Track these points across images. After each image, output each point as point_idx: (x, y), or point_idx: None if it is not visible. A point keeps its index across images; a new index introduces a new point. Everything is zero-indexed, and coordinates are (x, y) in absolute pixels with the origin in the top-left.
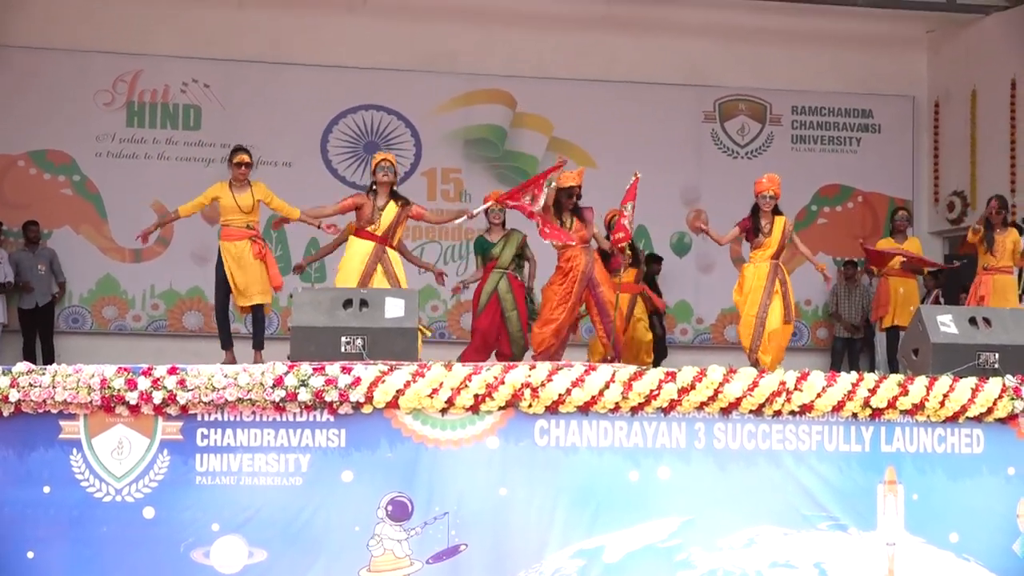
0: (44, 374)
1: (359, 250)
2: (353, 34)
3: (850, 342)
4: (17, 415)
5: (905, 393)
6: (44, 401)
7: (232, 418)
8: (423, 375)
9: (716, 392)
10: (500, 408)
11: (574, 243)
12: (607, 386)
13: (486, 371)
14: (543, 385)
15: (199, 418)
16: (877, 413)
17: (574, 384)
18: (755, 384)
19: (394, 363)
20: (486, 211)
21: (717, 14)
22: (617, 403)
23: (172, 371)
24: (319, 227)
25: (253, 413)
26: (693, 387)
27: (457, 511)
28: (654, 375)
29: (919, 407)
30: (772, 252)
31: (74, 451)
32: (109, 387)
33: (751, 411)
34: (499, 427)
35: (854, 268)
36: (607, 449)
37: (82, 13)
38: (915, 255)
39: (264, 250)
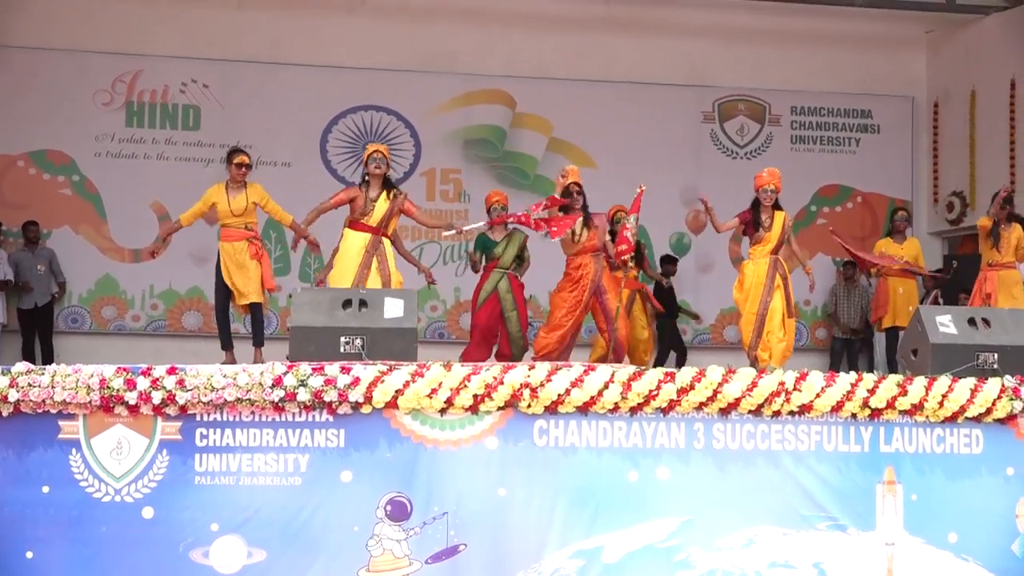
0: (43, 374)
1: (355, 243)
2: (352, 34)
3: (849, 342)
4: (16, 415)
5: (904, 393)
6: (43, 401)
7: (231, 418)
8: (422, 375)
9: (715, 392)
10: (499, 408)
11: (577, 232)
12: (606, 386)
13: (485, 371)
14: (542, 385)
15: (198, 418)
16: (876, 413)
17: (573, 384)
18: (754, 384)
19: (393, 363)
20: (488, 211)
21: (716, 15)
22: (616, 403)
23: (171, 371)
24: (305, 238)
25: (252, 413)
26: (692, 387)
27: (456, 511)
28: (653, 375)
29: (918, 407)
30: (772, 247)
31: (73, 451)
32: (108, 387)
33: (750, 411)
34: (498, 427)
35: (853, 269)
36: (606, 449)
37: (81, 13)
38: (893, 262)
39: (261, 251)
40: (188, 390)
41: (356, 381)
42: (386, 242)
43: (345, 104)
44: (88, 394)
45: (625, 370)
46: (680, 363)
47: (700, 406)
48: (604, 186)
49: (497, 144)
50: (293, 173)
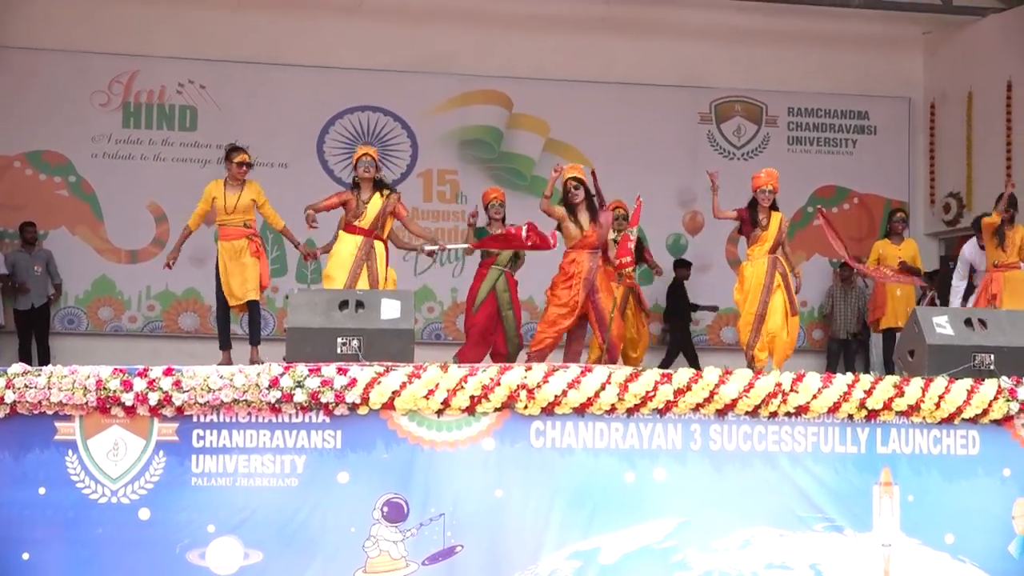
0: (40, 375)
1: (348, 245)
2: (349, 35)
3: (846, 343)
4: (13, 416)
5: (901, 394)
6: (40, 402)
7: (228, 419)
8: (419, 376)
9: (712, 393)
10: (496, 409)
11: (551, 245)
12: (603, 388)
13: (482, 372)
14: (539, 387)
15: (195, 419)
16: (873, 414)
17: (570, 386)
18: (751, 385)
19: (390, 364)
20: (486, 208)
21: (713, 16)
22: (613, 404)
23: (168, 372)
24: (296, 246)
25: (249, 414)
26: (689, 388)
27: (453, 512)
28: (650, 377)
29: (915, 408)
30: (769, 246)
31: (70, 452)
32: (105, 388)
33: (747, 412)
34: (495, 428)
35: (850, 270)
36: (603, 450)
37: (78, 14)
38: (882, 276)
39: (260, 249)
40: (185, 391)
41: (353, 382)
42: (378, 244)
43: (342, 105)
44: (84, 395)
45: (622, 371)
46: (692, 365)
47: (697, 407)
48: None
49: (494, 145)
50: (290, 174)
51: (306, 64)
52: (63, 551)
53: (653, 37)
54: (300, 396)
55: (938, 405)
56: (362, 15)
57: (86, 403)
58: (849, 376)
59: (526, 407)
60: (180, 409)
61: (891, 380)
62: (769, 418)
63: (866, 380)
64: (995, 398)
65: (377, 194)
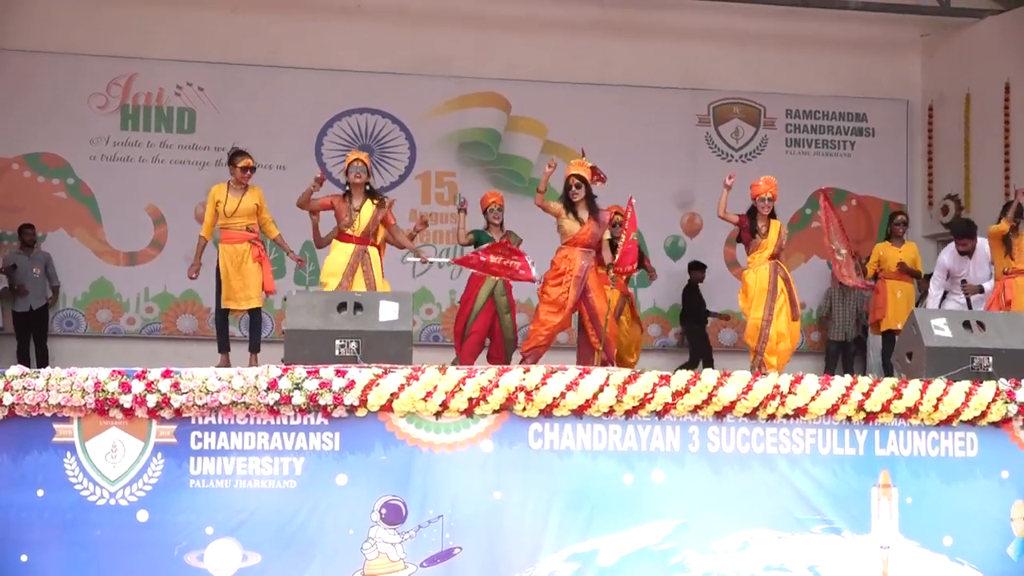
0: (38, 377)
1: (341, 254)
2: (347, 37)
3: (844, 345)
4: (11, 418)
5: (899, 397)
6: (38, 404)
7: (226, 421)
8: (417, 378)
9: (710, 396)
10: (494, 412)
11: (532, 278)
12: (601, 390)
13: (480, 375)
14: (537, 389)
15: (193, 421)
16: (871, 417)
17: (568, 388)
18: (749, 388)
19: (388, 366)
20: (484, 212)
21: (711, 18)
22: (611, 407)
23: (166, 374)
24: (288, 254)
25: (247, 416)
26: (687, 390)
27: (451, 514)
28: (648, 379)
29: (913, 410)
30: (770, 253)
31: (68, 454)
32: (103, 390)
33: (745, 415)
34: (493, 430)
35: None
36: (601, 452)
37: (76, 16)
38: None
39: (263, 253)
40: (183, 393)
41: (351, 384)
42: (372, 251)
43: (340, 107)
44: (83, 397)
45: (620, 373)
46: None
47: (695, 409)
48: (599, 189)
49: (492, 147)
50: (288, 176)
51: (304, 66)
52: (61, 553)
53: (651, 39)
54: (298, 398)
55: (936, 407)
56: (360, 18)
57: (84, 405)
58: (847, 378)
59: (524, 409)
60: (178, 411)
61: (889, 382)
62: (767, 420)
63: (864, 382)
64: (993, 400)
65: (368, 201)
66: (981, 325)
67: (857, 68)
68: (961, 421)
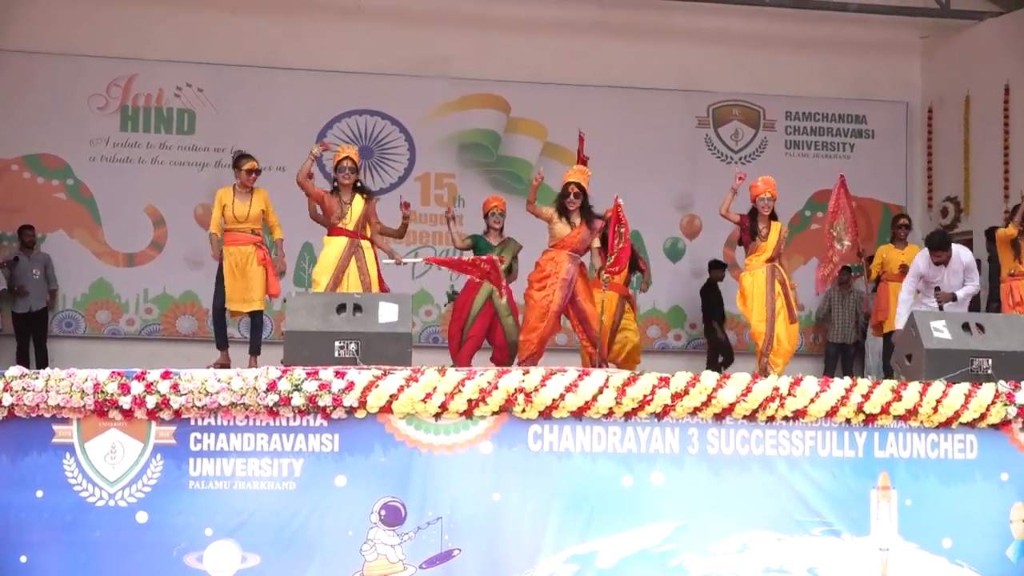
0: (37, 378)
1: (334, 247)
2: (347, 39)
3: (844, 347)
4: (10, 419)
5: (898, 399)
6: (37, 405)
7: (225, 422)
8: (417, 380)
9: (709, 398)
10: (494, 413)
11: (500, 290)
12: (601, 391)
13: (480, 376)
14: (537, 390)
15: (192, 422)
16: (870, 419)
17: (568, 389)
18: (748, 390)
19: (388, 368)
20: (486, 216)
21: (711, 19)
22: (611, 408)
23: (165, 375)
24: (277, 259)
25: (247, 418)
26: (687, 392)
27: (450, 516)
28: (648, 381)
29: (912, 413)
30: (768, 256)
31: (67, 455)
32: (102, 391)
33: (744, 416)
34: (493, 432)
35: (848, 274)
36: (600, 454)
37: (76, 17)
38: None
39: (267, 257)
40: (182, 394)
41: (351, 386)
42: (365, 244)
43: (340, 108)
44: (82, 398)
45: (619, 375)
46: (726, 365)
47: (695, 411)
48: (598, 191)
49: (491, 149)
50: (288, 177)
51: (304, 67)
52: (61, 554)
53: (651, 41)
54: (298, 399)
55: (936, 409)
56: (360, 19)
57: (84, 406)
58: (847, 380)
59: (524, 411)
60: (178, 412)
61: (889, 384)
62: (767, 422)
63: (864, 384)
64: (993, 402)
65: (358, 195)
66: (980, 327)
67: (857, 70)
68: (960, 423)
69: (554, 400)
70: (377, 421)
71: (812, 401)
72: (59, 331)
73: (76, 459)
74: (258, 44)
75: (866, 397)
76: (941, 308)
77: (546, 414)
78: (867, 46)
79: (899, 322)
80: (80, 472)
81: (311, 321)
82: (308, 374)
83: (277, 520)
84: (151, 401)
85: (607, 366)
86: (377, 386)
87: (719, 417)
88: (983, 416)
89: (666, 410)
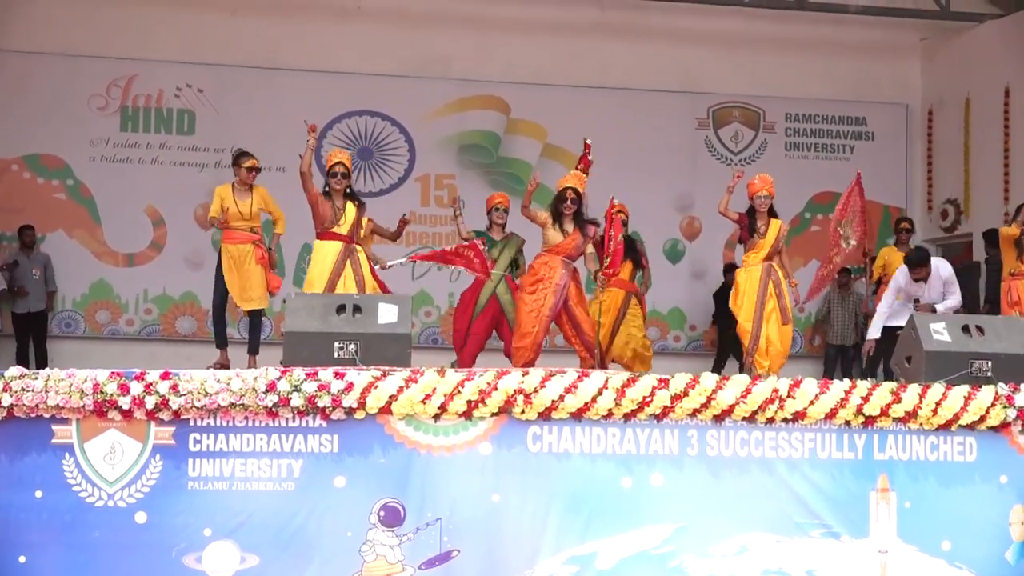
0: (37, 378)
1: (328, 251)
2: (347, 39)
3: (843, 349)
4: (9, 419)
5: (898, 401)
6: (37, 405)
7: (225, 423)
8: (416, 381)
9: (709, 399)
10: (493, 414)
11: (487, 272)
12: (600, 393)
13: (479, 377)
14: (536, 391)
15: (192, 423)
16: (870, 421)
17: (567, 390)
18: (748, 391)
19: (387, 369)
20: (488, 212)
21: (711, 21)
22: (610, 410)
23: (165, 376)
24: (270, 249)
25: (246, 418)
26: (686, 394)
27: (450, 517)
28: (647, 382)
29: (912, 415)
30: (765, 254)
31: (66, 455)
32: (102, 392)
33: (744, 418)
34: (492, 433)
35: (848, 276)
36: (600, 456)
37: (76, 17)
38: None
39: (265, 256)
40: (182, 395)
41: (350, 387)
42: (359, 249)
43: (340, 109)
44: (81, 399)
45: (619, 377)
46: (741, 369)
47: (694, 413)
48: (598, 192)
49: (491, 150)
50: (287, 178)
51: (304, 68)
52: (60, 554)
53: (651, 42)
54: (297, 400)
55: (935, 412)
56: (360, 20)
57: (83, 406)
58: (846, 382)
59: (523, 412)
60: (177, 413)
61: (888, 386)
62: (766, 424)
63: (863, 386)
64: (992, 405)
65: (350, 202)
66: (980, 329)
67: (857, 72)
68: (960, 425)
69: (553, 401)
70: (376, 422)
71: (811, 403)
72: (59, 331)
73: (75, 459)
74: (258, 45)
75: (865, 399)
76: None
77: (545, 415)
78: (867, 48)
79: (872, 333)
80: (79, 472)
81: (311, 322)
82: (307, 375)
83: (276, 521)
84: (150, 401)
85: (606, 368)
86: (376, 387)
87: (718, 419)
88: (982, 418)
89: (665, 411)
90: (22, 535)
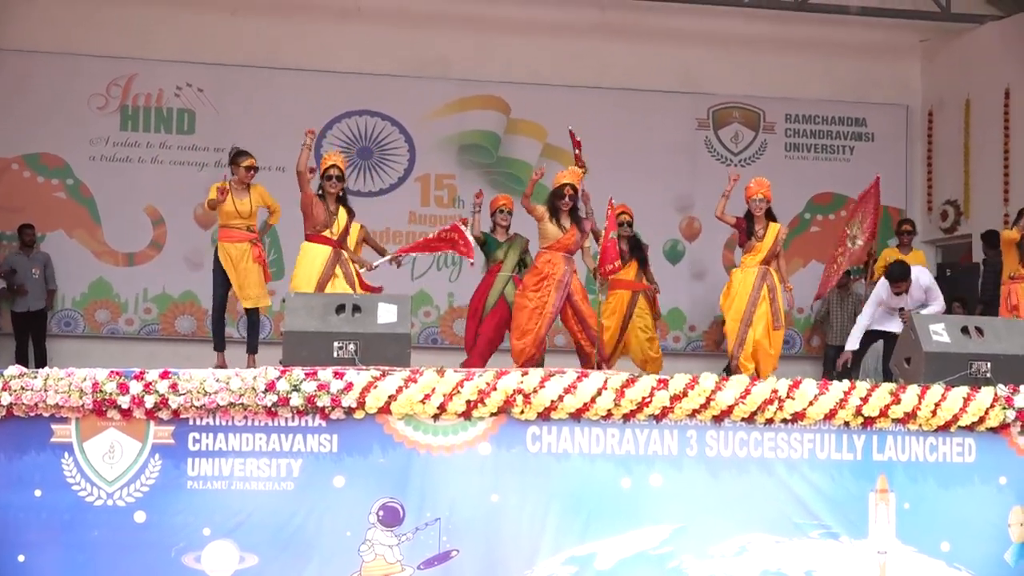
0: (36, 377)
1: (317, 254)
2: (347, 39)
3: (842, 350)
4: (9, 418)
5: (897, 402)
6: (36, 404)
7: (224, 423)
8: (415, 381)
9: (708, 400)
10: (492, 414)
11: (471, 255)
12: (599, 393)
13: (478, 377)
14: (535, 392)
15: (191, 422)
16: (869, 422)
17: (566, 391)
18: (747, 392)
19: (386, 368)
20: (492, 214)
21: (711, 21)
22: (609, 410)
23: (164, 375)
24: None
25: (245, 418)
26: (685, 394)
27: (449, 517)
28: (646, 382)
29: (911, 416)
30: (762, 257)
31: (66, 455)
32: (101, 391)
33: (743, 419)
34: (491, 433)
35: (847, 277)
36: (599, 456)
37: (76, 17)
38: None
39: (263, 255)
40: (181, 394)
41: (349, 386)
42: (347, 255)
43: (340, 109)
44: (81, 398)
45: (618, 377)
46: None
47: (693, 413)
48: (597, 192)
49: (491, 150)
50: (287, 178)
51: (304, 68)
52: (59, 554)
53: (651, 42)
54: (296, 400)
55: (934, 413)
56: (360, 20)
57: (82, 406)
58: (845, 383)
59: (522, 412)
60: (176, 412)
61: (887, 387)
62: (765, 424)
63: (862, 387)
64: (991, 406)
65: (342, 207)
66: (979, 331)
67: (857, 73)
68: (959, 427)
69: (553, 401)
70: (376, 422)
71: (811, 404)
72: (58, 330)
73: (74, 458)
74: (258, 44)
75: (865, 400)
76: None
77: (545, 415)
78: (867, 49)
79: (851, 344)
80: (78, 471)
81: (310, 321)
82: (307, 374)
83: (275, 520)
84: (150, 401)
85: (607, 367)
86: (376, 387)
87: (718, 419)
88: (982, 419)
89: (665, 412)
90: (21, 534)
